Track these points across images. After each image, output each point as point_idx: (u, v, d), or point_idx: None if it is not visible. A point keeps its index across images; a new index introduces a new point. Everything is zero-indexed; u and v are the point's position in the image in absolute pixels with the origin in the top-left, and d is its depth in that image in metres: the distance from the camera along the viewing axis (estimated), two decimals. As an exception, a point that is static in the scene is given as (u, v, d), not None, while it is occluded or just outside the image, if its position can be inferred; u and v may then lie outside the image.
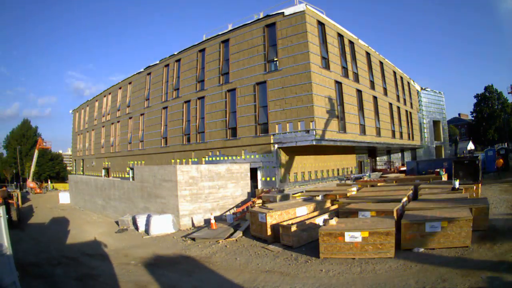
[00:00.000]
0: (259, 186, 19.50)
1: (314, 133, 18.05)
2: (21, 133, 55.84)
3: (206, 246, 10.34)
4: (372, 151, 30.45)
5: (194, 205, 13.49)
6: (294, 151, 19.78)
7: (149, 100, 30.35)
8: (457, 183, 11.81)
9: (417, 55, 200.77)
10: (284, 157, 19.38)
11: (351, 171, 25.94)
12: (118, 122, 35.77)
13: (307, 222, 9.72)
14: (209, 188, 14.06)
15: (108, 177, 33.17)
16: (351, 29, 24.84)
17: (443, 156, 41.90)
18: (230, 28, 22.43)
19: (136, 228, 13.70)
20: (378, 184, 17.62)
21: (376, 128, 26.84)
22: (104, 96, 39.31)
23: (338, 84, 21.74)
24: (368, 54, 27.08)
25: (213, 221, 12.32)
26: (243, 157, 20.84)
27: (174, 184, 13.26)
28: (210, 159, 23.13)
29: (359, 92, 24.59)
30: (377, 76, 28.39)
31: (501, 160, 21.98)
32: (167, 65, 28.21)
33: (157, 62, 29.21)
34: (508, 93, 45.09)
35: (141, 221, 13.53)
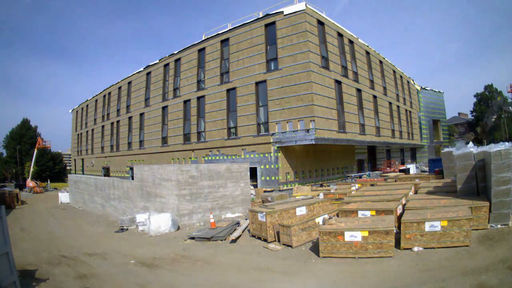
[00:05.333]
0: (259, 185, 19.51)
1: (314, 133, 18.05)
2: (20, 132, 55.81)
3: (206, 245, 10.34)
4: (372, 150, 30.46)
5: (193, 205, 13.48)
6: (294, 151, 19.79)
7: (148, 100, 30.32)
8: None
9: (417, 55, 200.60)
10: (284, 157, 19.38)
11: (351, 170, 25.94)
12: (117, 121, 35.74)
13: (307, 221, 9.72)
14: (209, 188, 14.04)
15: (108, 176, 33.15)
16: (350, 28, 24.84)
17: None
18: (229, 27, 22.42)
19: (136, 227, 13.69)
20: (378, 183, 17.61)
21: (375, 127, 26.85)
22: (104, 96, 39.28)
23: (338, 83, 21.74)
24: (367, 53, 27.08)
25: (212, 220, 12.32)
26: (242, 156, 20.83)
27: (174, 183, 13.25)
28: (210, 158, 23.12)
29: (358, 91, 24.59)
30: (377, 75, 28.40)
31: None
32: (166, 65, 28.18)
33: (157, 61, 29.17)
34: (508, 92, 45.07)
35: (141, 220, 13.52)
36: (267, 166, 19.58)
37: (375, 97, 27.27)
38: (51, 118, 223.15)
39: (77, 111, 47.87)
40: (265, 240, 9.96)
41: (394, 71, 33.07)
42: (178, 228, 12.92)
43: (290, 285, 6.69)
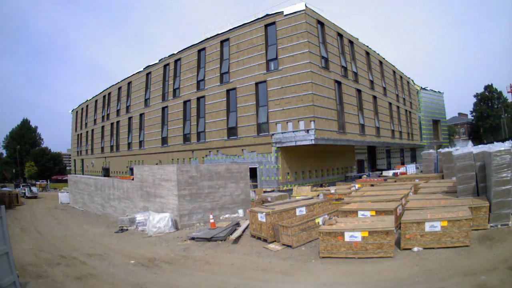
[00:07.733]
0: (259, 185, 19.51)
1: (314, 133, 18.06)
2: (20, 133, 55.80)
3: (206, 245, 10.33)
4: (371, 151, 30.46)
5: (193, 205, 13.48)
6: (294, 151, 19.78)
7: (148, 100, 30.34)
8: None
9: (417, 55, 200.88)
10: (283, 157, 19.38)
11: (351, 171, 25.94)
12: (117, 122, 35.74)
13: (307, 221, 9.71)
14: (209, 188, 14.04)
15: (108, 176, 33.16)
16: (350, 28, 24.89)
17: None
18: (229, 27, 22.43)
19: (136, 227, 13.69)
20: (378, 183, 17.58)
21: (375, 127, 26.85)
22: (104, 96, 39.29)
23: (338, 83, 21.75)
24: (367, 53, 27.09)
25: (212, 220, 12.31)
26: (242, 156, 20.84)
27: (174, 183, 13.24)
28: (210, 158, 23.12)
29: (358, 91, 24.60)
30: (377, 76, 28.42)
31: None
32: (166, 65, 28.20)
33: (157, 61, 29.18)
34: (508, 92, 45.12)
35: (141, 220, 13.53)
36: (267, 166, 19.57)
37: (375, 97, 27.27)
38: (51, 118, 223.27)
39: (77, 112, 47.87)
40: (265, 240, 9.96)
41: (394, 72, 33.09)
42: (178, 229, 12.92)
43: (290, 285, 6.69)
